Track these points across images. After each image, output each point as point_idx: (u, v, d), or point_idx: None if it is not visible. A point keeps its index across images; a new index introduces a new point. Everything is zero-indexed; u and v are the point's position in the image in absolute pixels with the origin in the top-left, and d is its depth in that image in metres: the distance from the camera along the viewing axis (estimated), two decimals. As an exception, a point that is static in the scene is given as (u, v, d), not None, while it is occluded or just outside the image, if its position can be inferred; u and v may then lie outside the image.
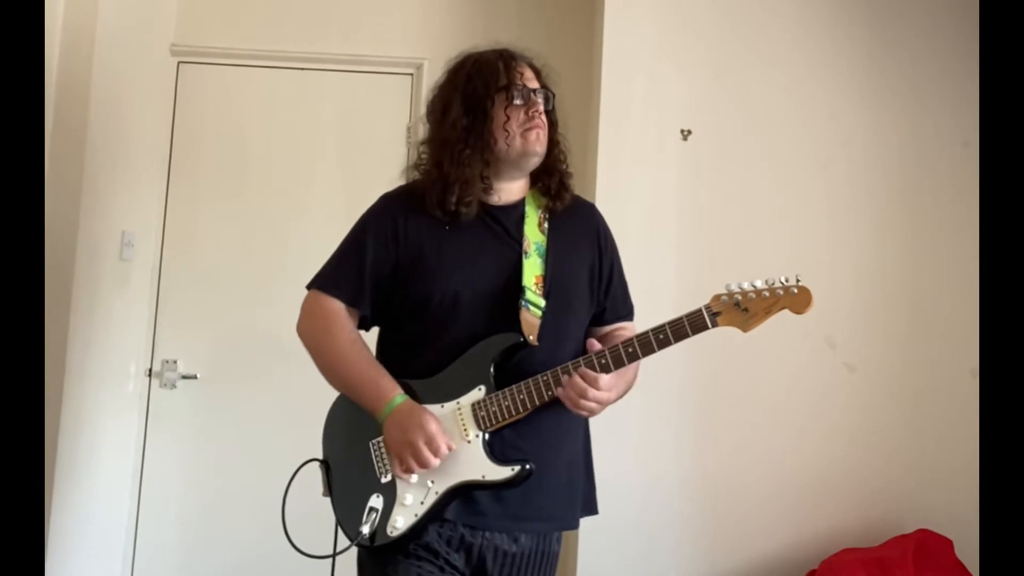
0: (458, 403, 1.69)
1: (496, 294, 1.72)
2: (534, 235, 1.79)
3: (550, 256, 1.78)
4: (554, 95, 1.81)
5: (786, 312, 3.00)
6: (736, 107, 2.97)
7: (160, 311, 3.39)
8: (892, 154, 2.97)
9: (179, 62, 3.45)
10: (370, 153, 3.42)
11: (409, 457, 1.64)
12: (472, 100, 1.77)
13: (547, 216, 1.82)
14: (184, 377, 3.37)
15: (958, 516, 2.73)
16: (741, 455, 2.89)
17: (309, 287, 1.83)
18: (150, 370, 3.37)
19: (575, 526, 1.84)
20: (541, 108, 1.77)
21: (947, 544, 2.72)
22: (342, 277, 1.78)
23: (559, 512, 1.79)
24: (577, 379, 1.65)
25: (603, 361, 1.66)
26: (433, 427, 1.65)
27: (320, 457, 1.83)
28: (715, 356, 2.84)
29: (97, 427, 3.00)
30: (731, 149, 2.96)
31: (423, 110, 3.44)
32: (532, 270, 1.75)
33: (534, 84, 1.79)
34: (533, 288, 1.74)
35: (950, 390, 2.88)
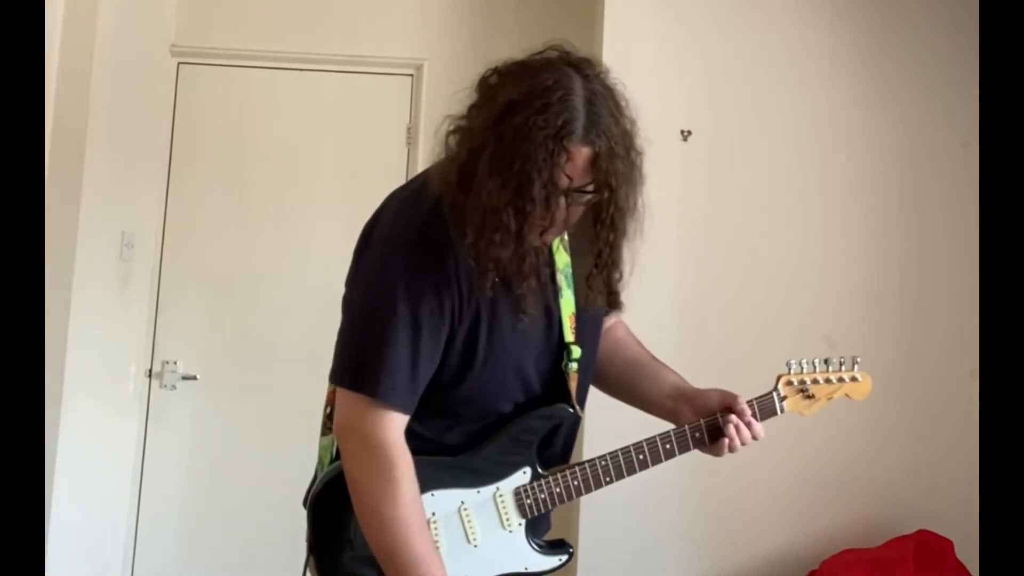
0: (498, 488, 1.48)
1: (537, 354, 1.48)
2: (560, 258, 1.50)
3: (578, 284, 1.49)
4: (611, 188, 1.33)
5: (785, 308, 3.01)
6: (736, 107, 2.97)
7: (160, 311, 3.39)
8: (892, 155, 2.97)
9: (179, 62, 3.45)
10: (370, 153, 3.42)
11: None
12: (501, 169, 1.29)
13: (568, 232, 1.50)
14: (184, 378, 3.37)
15: (958, 516, 2.73)
16: (741, 455, 2.88)
17: (359, 389, 1.38)
18: (150, 371, 3.37)
19: None
20: (558, 217, 1.33)
21: (947, 545, 2.72)
22: (399, 381, 1.37)
23: None
24: (747, 432, 1.55)
25: (667, 446, 1.53)
26: None
27: (306, 541, 1.53)
28: (714, 356, 2.85)
29: (97, 427, 3.00)
30: (731, 149, 2.96)
31: (423, 111, 3.45)
32: (567, 309, 1.50)
33: (580, 177, 1.31)
34: (571, 337, 1.50)
35: (950, 391, 2.88)
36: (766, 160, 2.96)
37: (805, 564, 2.81)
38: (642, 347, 1.70)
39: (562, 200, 1.31)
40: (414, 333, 1.36)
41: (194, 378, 3.38)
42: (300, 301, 3.36)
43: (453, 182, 1.34)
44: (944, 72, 2.97)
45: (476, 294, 1.38)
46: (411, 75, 3.48)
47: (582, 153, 1.30)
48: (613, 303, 1.52)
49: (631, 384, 1.65)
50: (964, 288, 2.81)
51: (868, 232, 2.95)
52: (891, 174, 2.97)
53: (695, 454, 3.05)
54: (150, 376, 3.37)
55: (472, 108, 1.38)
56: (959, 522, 2.72)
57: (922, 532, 2.76)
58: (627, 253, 1.44)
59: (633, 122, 1.40)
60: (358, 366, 1.39)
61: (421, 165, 3.29)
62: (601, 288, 1.45)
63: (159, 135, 3.39)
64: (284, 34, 3.45)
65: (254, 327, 3.39)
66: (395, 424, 1.38)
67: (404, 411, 1.39)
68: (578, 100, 1.30)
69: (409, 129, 3.42)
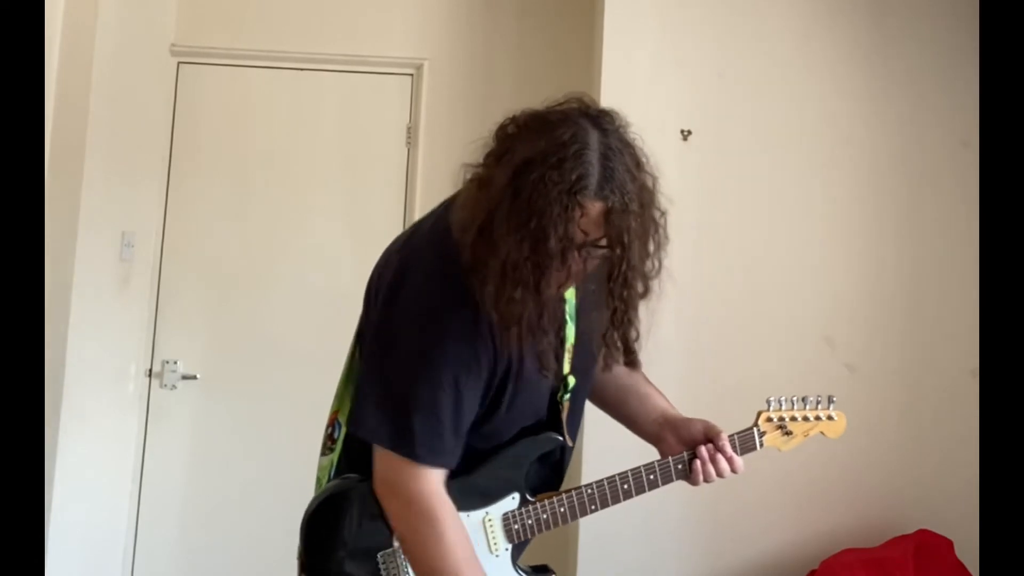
0: (487, 512, 1.51)
1: (544, 388, 1.52)
2: (569, 291, 1.50)
3: (581, 318, 1.51)
4: (624, 245, 1.31)
5: (785, 308, 3.01)
6: (736, 107, 2.96)
7: (160, 311, 3.39)
8: (892, 154, 2.97)
9: (179, 62, 3.45)
10: (370, 153, 3.42)
11: None
12: (519, 226, 1.29)
13: None
14: (184, 377, 3.37)
15: (958, 516, 2.73)
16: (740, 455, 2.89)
17: (404, 453, 1.40)
18: (150, 370, 3.37)
19: None
20: (575, 271, 1.34)
21: (947, 544, 2.72)
22: (444, 443, 1.41)
23: None
24: (724, 464, 1.57)
25: (651, 477, 1.58)
26: None
27: (297, 556, 1.54)
28: (714, 356, 2.84)
29: (97, 427, 3.00)
30: (731, 149, 2.96)
31: (423, 111, 3.45)
32: (569, 340, 1.52)
33: (594, 231, 1.31)
34: (568, 365, 1.53)
35: (950, 391, 2.88)
36: (766, 160, 2.96)
37: (805, 564, 2.81)
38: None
39: (577, 254, 1.31)
40: (456, 398, 1.39)
41: (194, 378, 3.38)
42: (300, 301, 3.36)
43: (471, 240, 1.33)
44: (944, 71, 2.97)
45: (506, 349, 1.39)
46: (411, 75, 3.48)
47: (595, 207, 1.29)
48: (631, 363, 1.54)
49: (620, 403, 1.69)
50: (964, 288, 2.81)
51: (868, 232, 2.95)
52: (891, 174, 2.97)
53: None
54: (150, 376, 3.37)
55: (489, 156, 1.37)
56: (959, 522, 2.71)
57: (922, 532, 2.76)
58: (644, 312, 1.43)
59: (654, 179, 1.38)
60: (400, 429, 1.40)
61: (421, 165, 3.29)
62: (617, 346, 1.45)
63: (159, 135, 3.39)
64: (284, 34, 3.45)
65: (254, 327, 3.39)
66: (436, 478, 1.41)
67: (447, 468, 1.43)
68: (593, 155, 1.29)
69: (409, 129, 3.42)
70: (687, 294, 2.90)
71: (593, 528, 2.82)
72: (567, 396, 1.55)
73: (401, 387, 1.40)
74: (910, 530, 2.79)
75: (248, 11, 3.47)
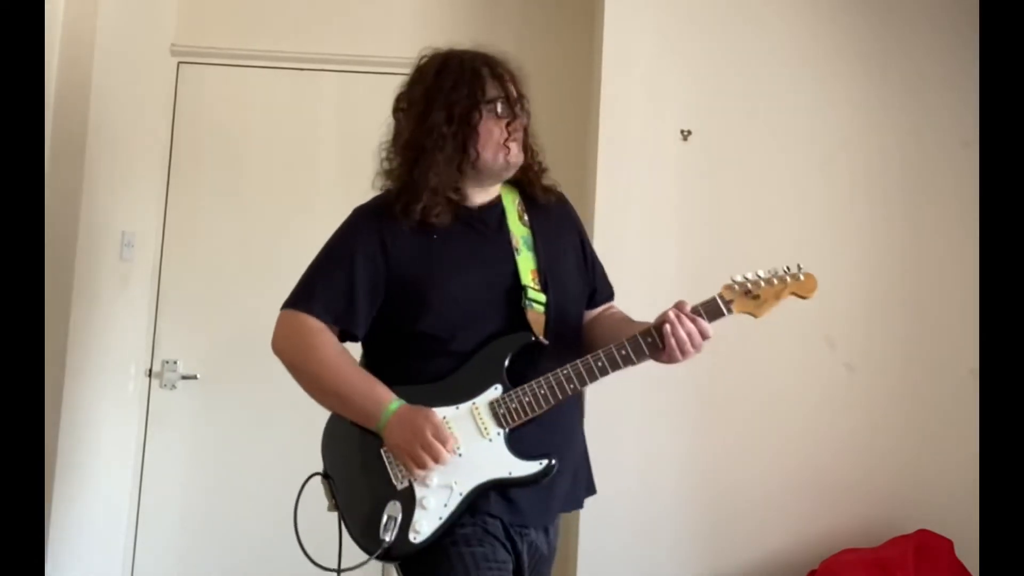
0: (474, 403, 1.68)
1: (498, 297, 1.73)
2: (518, 230, 1.80)
3: (539, 247, 1.79)
4: (526, 99, 1.81)
5: (783, 309, 3.01)
6: (736, 107, 2.96)
7: (160, 311, 3.39)
8: (892, 154, 2.97)
9: (179, 62, 3.45)
10: (370, 153, 3.38)
11: (423, 454, 1.61)
12: (455, 108, 1.73)
13: (525, 208, 1.83)
14: (184, 377, 3.37)
15: (958, 516, 2.73)
16: (741, 455, 2.89)
17: (287, 307, 1.78)
18: (150, 370, 3.37)
19: (581, 505, 1.88)
20: (523, 121, 1.77)
21: (947, 544, 2.72)
22: (328, 298, 1.74)
23: (573, 495, 1.83)
24: (691, 324, 1.67)
25: (623, 352, 1.67)
26: (437, 418, 1.64)
27: (322, 471, 1.79)
28: (714, 355, 2.82)
29: (97, 427, 3.00)
30: (731, 149, 2.96)
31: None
32: (527, 265, 1.76)
33: (514, 92, 1.78)
34: (532, 284, 1.74)
35: (950, 390, 2.88)
36: (766, 160, 2.96)
37: (805, 564, 2.81)
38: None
39: (504, 114, 1.73)
40: (346, 268, 1.73)
41: (194, 378, 3.38)
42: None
43: (403, 121, 1.86)
44: (944, 71, 2.97)
45: (414, 248, 1.72)
46: (411, 75, 3.47)
47: (507, 76, 1.77)
48: (606, 295, 1.95)
49: (615, 336, 1.76)
50: (964, 287, 2.81)
51: (868, 232, 2.95)
52: (891, 174, 2.97)
53: (693, 455, 3.03)
54: (150, 376, 3.37)
55: (398, 113, 1.92)
56: (959, 522, 2.72)
57: (922, 532, 2.76)
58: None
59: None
60: (295, 290, 1.78)
61: (421, 165, 3.29)
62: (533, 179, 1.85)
63: (159, 135, 3.39)
64: (284, 34, 3.45)
65: (254, 327, 3.35)
66: (314, 320, 1.72)
67: (326, 320, 1.73)
68: (482, 50, 1.80)
69: (409, 129, 3.42)
70: (686, 294, 2.90)
71: (593, 527, 2.82)
72: (534, 306, 1.72)
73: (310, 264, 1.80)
74: (910, 530, 2.79)
75: (248, 11, 3.46)
